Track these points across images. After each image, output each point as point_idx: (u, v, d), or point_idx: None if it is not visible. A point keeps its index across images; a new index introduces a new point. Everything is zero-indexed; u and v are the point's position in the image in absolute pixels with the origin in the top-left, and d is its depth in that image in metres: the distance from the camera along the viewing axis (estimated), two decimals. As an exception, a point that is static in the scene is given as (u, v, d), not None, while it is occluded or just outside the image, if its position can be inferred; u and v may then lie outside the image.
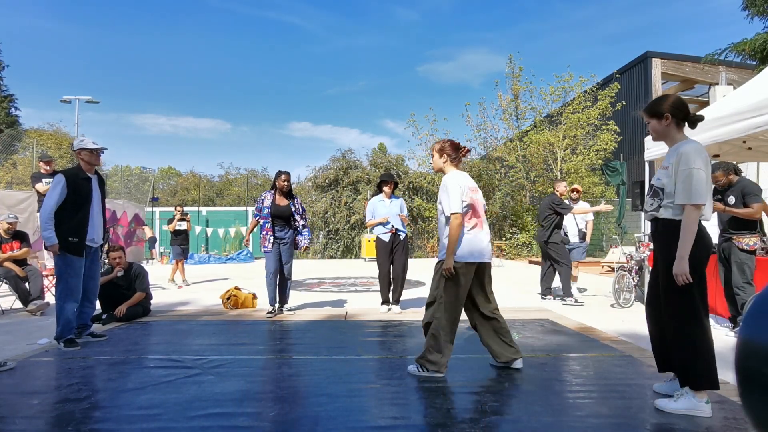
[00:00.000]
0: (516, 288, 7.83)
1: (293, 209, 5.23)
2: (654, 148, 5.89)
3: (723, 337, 4.22)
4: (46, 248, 3.82)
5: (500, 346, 3.10)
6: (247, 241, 5.27)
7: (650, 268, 2.69)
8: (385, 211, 5.31)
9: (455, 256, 2.91)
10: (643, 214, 2.72)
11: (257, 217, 5.23)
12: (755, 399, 0.92)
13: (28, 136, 20.48)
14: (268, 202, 5.16)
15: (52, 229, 3.70)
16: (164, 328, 4.58)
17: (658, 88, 17.32)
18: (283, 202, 5.22)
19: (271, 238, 5.13)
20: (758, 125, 4.30)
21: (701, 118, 2.57)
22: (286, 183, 5.24)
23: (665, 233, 2.46)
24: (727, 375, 3.04)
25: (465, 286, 2.97)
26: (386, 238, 5.30)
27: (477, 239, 2.98)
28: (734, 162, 4.69)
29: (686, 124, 2.51)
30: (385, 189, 5.42)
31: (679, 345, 2.40)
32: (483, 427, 2.23)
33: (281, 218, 5.18)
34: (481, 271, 3.05)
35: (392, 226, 5.28)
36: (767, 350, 0.90)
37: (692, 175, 2.31)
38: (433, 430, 2.20)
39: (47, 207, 3.70)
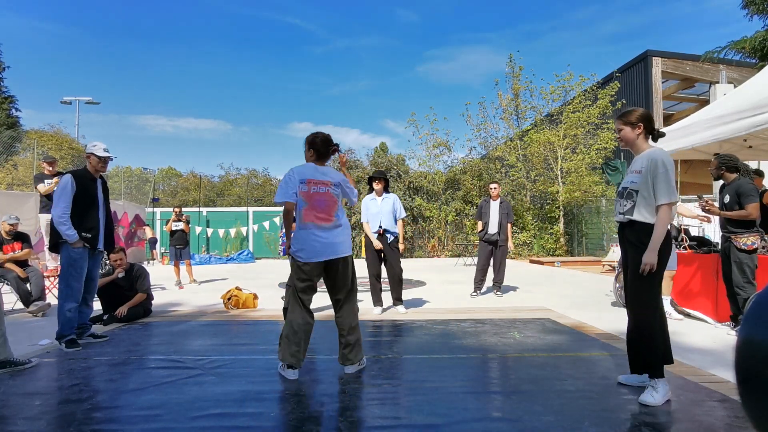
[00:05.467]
0: (517, 287, 7.83)
1: None
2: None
3: (724, 336, 4.22)
4: (49, 249, 3.82)
5: (340, 347, 3.11)
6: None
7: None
8: (376, 210, 5.28)
9: (293, 251, 2.95)
10: (616, 215, 2.83)
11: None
12: (755, 398, 0.92)
13: (28, 137, 20.48)
14: None
15: (70, 225, 3.72)
16: (165, 328, 4.58)
17: (658, 87, 17.30)
18: None
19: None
20: (759, 123, 4.29)
21: (663, 134, 2.81)
22: None
23: (639, 233, 2.62)
24: (727, 374, 3.04)
25: (299, 282, 2.97)
26: (373, 237, 5.27)
27: (309, 237, 2.93)
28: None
29: (651, 136, 2.75)
30: (376, 186, 5.38)
31: (649, 337, 2.58)
32: (483, 426, 2.23)
33: None
34: (328, 270, 3.03)
35: (380, 226, 5.25)
36: (767, 350, 0.90)
37: (669, 177, 2.54)
38: (434, 429, 2.20)
39: (61, 205, 3.71)
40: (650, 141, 2.76)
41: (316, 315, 5.19)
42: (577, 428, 2.19)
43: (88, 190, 3.90)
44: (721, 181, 4.51)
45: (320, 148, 3.07)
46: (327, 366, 3.24)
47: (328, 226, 2.97)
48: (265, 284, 8.60)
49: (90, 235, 3.86)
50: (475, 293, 6.74)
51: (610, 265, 10.48)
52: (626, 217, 2.68)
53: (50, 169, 7.13)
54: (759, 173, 4.91)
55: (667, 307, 4.94)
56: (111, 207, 4.27)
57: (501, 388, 2.78)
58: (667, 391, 2.53)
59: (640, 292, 2.61)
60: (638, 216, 2.62)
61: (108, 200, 4.19)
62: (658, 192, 2.56)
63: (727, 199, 4.31)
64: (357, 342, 3.10)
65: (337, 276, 3.05)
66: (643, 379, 2.70)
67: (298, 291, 3.00)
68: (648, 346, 2.58)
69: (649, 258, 2.52)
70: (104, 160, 4.01)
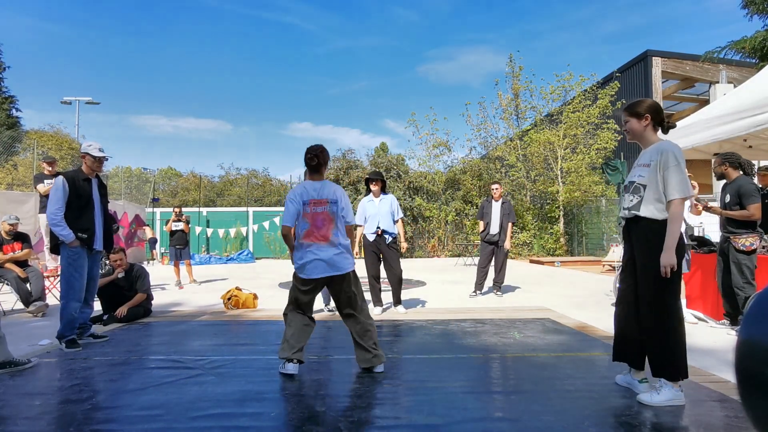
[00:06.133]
0: (517, 287, 7.83)
1: None
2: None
3: (724, 336, 4.22)
4: (50, 250, 3.83)
5: (359, 350, 3.10)
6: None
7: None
8: (374, 211, 5.28)
9: (296, 266, 3.07)
10: (621, 211, 2.77)
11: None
12: (755, 399, 0.92)
13: (28, 137, 20.49)
14: None
15: (65, 225, 3.73)
16: (165, 328, 4.58)
17: (658, 87, 17.31)
18: None
19: None
20: (759, 123, 4.29)
21: (674, 125, 2.68)
22: None
23: (647, 231, 2.51)
24: (727, 374, 3.04)
25: (301, 294, 3.07)
26: (371, 238, 5.29)
27: (309, 255, 3.00)
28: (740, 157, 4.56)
29: (660, 128, 2.63)
30: (373, 188, 5.40)
31: (659, 339, 2.47)
32: (483, 426, 2.23)
33: None
34: (330, 285, 3.08)
35: (378, 227, 5.26)
36: (767, 350, 0.90)
37: (681, 171, 2.43)
38: (434, 429, 2.20)
39: (54, 206, 3.72)
40: (659, 133, 2.65)
41: (318, 315, 5.21)
42: (578, 428, 2.19)
43: (83, 191, 3.87)
44: (723, 181, 4.50)
45: (309, 162, 3.13)
46: (327, 366, 3.24)
47: (325, 245, 3.03)
48: (265, 284, 8.60)
49: (85, 236, 3.84)
50: (474, 293, 6.73)
51: (610, 265, 10.48)
52: (632, 212, 2.56)
53: (50, 169, 7.13)
54: None
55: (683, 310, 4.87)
56: (111, 207, 4.26)
57: (501, 387, 2.78)
58: (676, 397, 2.43)
59: (657, 295, 2.47)
60: (645, 212, 2.50)
61: (106, 200, 4.17)
62: (669, 186, 2.43)
63: (728, 198, 4.30)
64: (372, 343, 3.10)
65: (340, 291, 3.10)
66: (639, 377, 2.70)
67: (297, 299, 3.09)
68: (665, 349, 2.44)
69: (667, 259, 2.39)
70: (100, 160, 4.00)
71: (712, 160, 4.83)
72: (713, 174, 4.58)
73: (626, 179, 2.71)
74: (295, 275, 3.11)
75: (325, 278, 3.04)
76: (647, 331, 2.53)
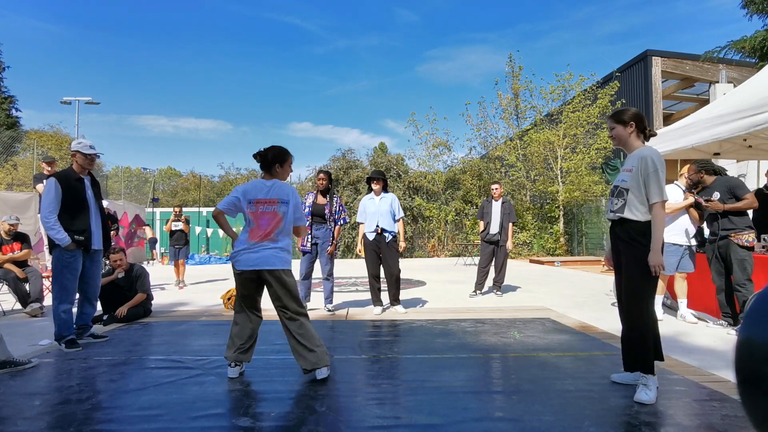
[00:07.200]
0: (517, 287, 7.83)
1: (327, 208, 5.30)
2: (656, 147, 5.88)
3: (724, 336, 4.22)
4: (49, 251, 3.82)
5: (294, 348, 2.97)
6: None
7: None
8: (374, 209, 5.30)
9: (231, 256, 3.04)
10: (608, 213, 2.86)
11: None
12: (755, 399, 0.92)
13: (28, 137, 20.50)
14: (309, 201, 5.32)
15: (59, 228, 3.69)
16: (165, 328, 4.58)
17: (658, 87, 17.29)
18: (321, 200, 5.35)
19: (309, 236, 5.23)
20: (759, 123, 4.29)
21: (654, 134, 2.87)
22: (323, 182, 5.38)
23: (630, 231, 2.65)
24: (727, 374, 3.04)
25: (239, 285, 3.02)
26: (371, 236, 5.29)
27: (244, 248, 2.95)
28: (728, 160, 4.69)
29: (643, 136, 2.78)
30: (374, 186, 5.43)
31: (642, 335, 2.61)
32: (484, 426, 2.23)
33: (319, 216, 5.28)
34: (264, 282, 2.99)
35: (378, 225, 5.27)
36: (767, 350, 0.90)
37: (660, 176, 2.57)
38: (434, 429, 2.20)
39: (47, 210, 3.69)
40: (642, 140, 2.78)
41: (318, 315, 5.23)
42: (578, 428, 2.19)
43: (76, 191, 3.82)
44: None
45: (260, 162, 3.08)
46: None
47: (264, 243, 2.95)
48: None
49: (82, 238, 3.81)
50: (474, 293, 6.73)
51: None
52: (617, 215, 2.71)
53: (49, 169, 7.13)
54: None
55: (683, 309, 4.86)
56: (111, 207, 4.25)
57: (501, 387, 2.78)
58: (656, 386, 2.57)
59: (636, 291, 2.62)
60: (629, 214, 2.65)
61: (100, 197, 4.11)
62: (650, 191, 2.58)
63: (717, 196, 4.38)
64: (306, 350, 2.94)
65: (270, 287, 2.97)
66: (636, 376, 2.72)
67: (240, 295, 3.05)
68: (641, 344, 2.60)
69: (654, 259, 2.53)
70: (91, 158, 3.94)
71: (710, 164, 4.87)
72: (691, 179, 4.70)
73: (612, 183, 2.83)
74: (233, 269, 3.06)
75: (255, 271, 2.93)
76: (626, 326, 2.71)
